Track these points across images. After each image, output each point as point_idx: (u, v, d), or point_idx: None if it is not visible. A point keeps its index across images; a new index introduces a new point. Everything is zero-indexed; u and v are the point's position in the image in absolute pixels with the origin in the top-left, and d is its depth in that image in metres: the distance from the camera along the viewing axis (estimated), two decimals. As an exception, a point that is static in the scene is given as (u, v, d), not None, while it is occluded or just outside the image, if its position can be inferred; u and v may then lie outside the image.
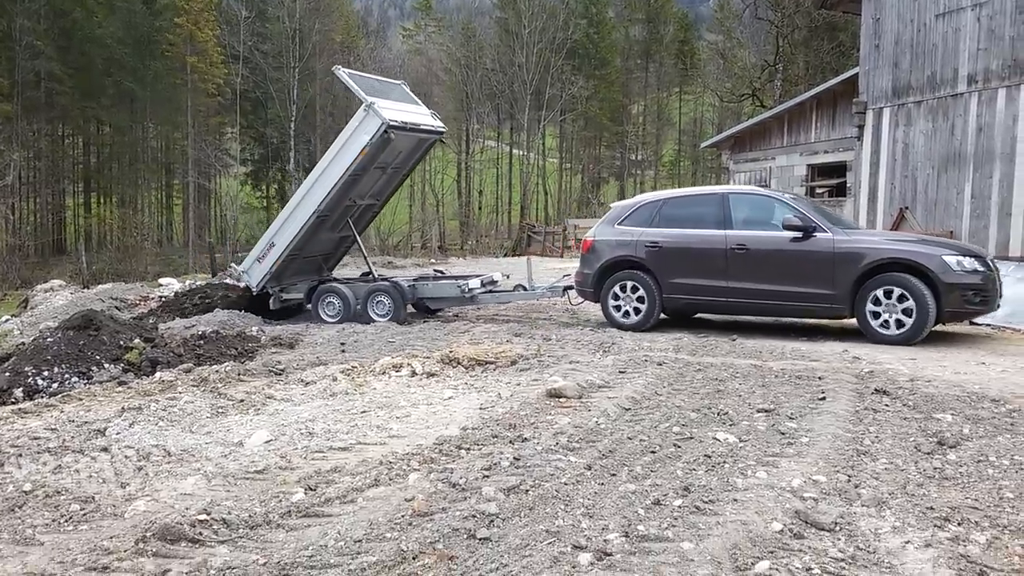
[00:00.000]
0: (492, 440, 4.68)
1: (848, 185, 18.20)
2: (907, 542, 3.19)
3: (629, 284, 9.36)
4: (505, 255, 31.51)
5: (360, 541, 3.34)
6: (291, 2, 42.12)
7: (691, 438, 4.59)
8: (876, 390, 5.62)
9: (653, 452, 4.34)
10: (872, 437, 4.54)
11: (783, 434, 4.61)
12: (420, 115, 11.77)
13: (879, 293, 7.98)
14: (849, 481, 3.85)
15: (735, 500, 3.60)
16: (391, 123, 10.41)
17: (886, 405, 5.26)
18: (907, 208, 13.16)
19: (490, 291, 11.22)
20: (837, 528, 3.31)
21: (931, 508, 3.51)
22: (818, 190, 20.55)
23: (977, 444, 4.38)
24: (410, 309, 11.46)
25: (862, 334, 8.22)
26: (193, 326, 10.50)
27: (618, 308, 9.46)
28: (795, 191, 20.72)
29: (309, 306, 11.66)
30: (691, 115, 63.12)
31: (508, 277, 12.86)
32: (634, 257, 9.37)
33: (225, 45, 43.51)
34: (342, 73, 11.16)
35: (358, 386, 6.39)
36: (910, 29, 13.06)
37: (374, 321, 10.78)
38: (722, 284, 8.87)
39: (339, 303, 11.23)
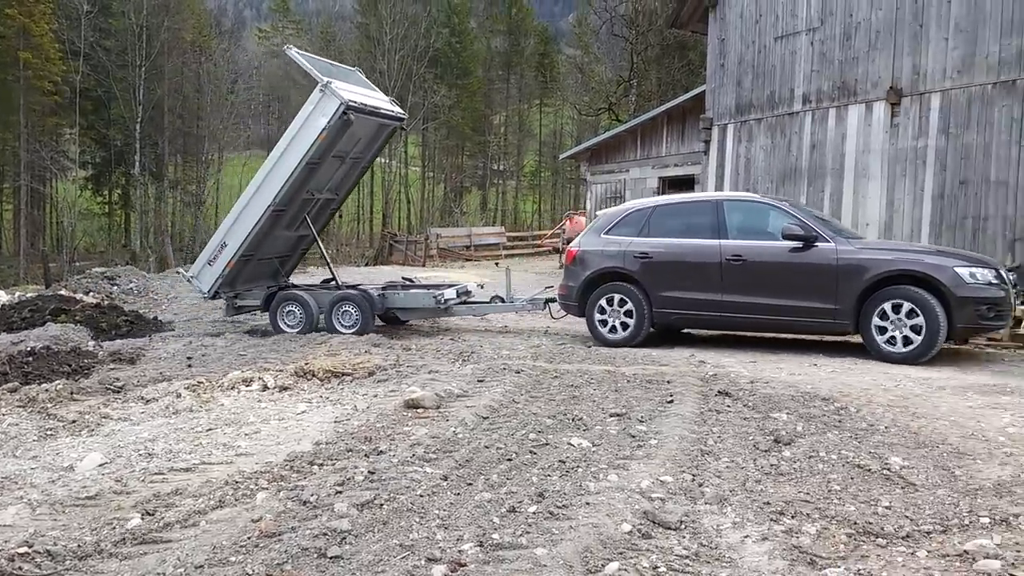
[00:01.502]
0: (346, 454, 4.57)
1: (697, 197, 19.07)
2: (746, 536, 3.35)
3: (616, 297, 8.79)
4: (367, 264, 31.03)
5: (202, 567, 3.16)
6: (137, -2, 39.87)
7: (547, 444, 4.65)
8: (719, 392, 5.91)
9: (510, 460, 4.36)
10: (715, 437, 4.76)
11: (634, 437, 4.75)
12: (379, 99, 10.96)
13: (886, 307, 7.44)
14: (694, 480, 4.01)
15: (587, 504, 3.67)
16: (351, 103, 9.68)
17: (728, 406, 5.53)
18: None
19: (465, 302, 10.61)
20: (682, 526, 3.44)
21: (768, 503, 3.70)
22: (669, 201, 21.46)
23: (809, 441, 4.68)
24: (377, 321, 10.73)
25: (712, 341, 8.58)
26: (21, 341, 9.67)
27: (604, 323, 8.88)
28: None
29: (267, 314, 10.78)
30: (551, 127, 64.61)
31: (482, 287, 12.43)
32: (622, 269, 8.81)
33: (64, 40, 40.56)
34: (294, 53, 10.31)
35: (204, 402, 6.08)
36: (752, 50, 13.90)
37: (340, 333, 10.00)
38: (716, 298, 8.33)
39: (300, 312, 10.39)
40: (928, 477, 4.06)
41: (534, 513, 3.57)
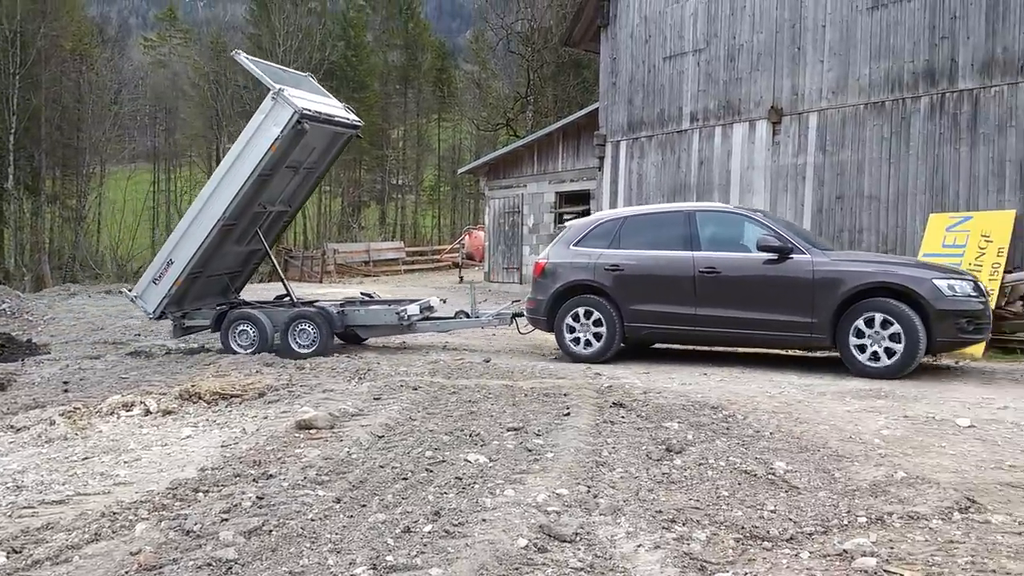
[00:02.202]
0: (234, 479, 4.39)
1: (592, 212, 19.48)
2: (639, 546, 3.40)
3: (586, 311, 8.57)
4: (260, 280, 30.12)
5: (72, 607, 2.95)
6: (10, 2, 37.60)
7: (443, 461, 4.60)
8: (614, 403, 6.00)
9: (405, 479, 4.29)
10: (610, 448, 4.83)
11: (531, 451, 4.76)
12: (333, 107, 10.46)
13: (863, 321, 7.28)
14: (589, 492, 4.04)
15: (484, 520, 3.64)
16: (304, 112, 9.20)
17: (622, 417, 5.63)
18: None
19: (428, 318, 10.19)
20: (577, 538, 3.45)
21: (660, 511, 3.77)
22: (565, 217, 21.81)
23: (699, 448, 4.80)
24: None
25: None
26: None
27: (575, 339, 8.64)
28: (544, 217, 21.89)
29: (217, 334, 10.15)
30: (450, 141, 64.68)
31: (444, 302, 12.04)
32: (592, 282, 8.57)
33: (-75, 45, 37.83)
34: (243, 58, 9.75)
35: (80, 429, 5.73)
36: (642, 69, 14.32)
37: (296, 353, 9.48)
38: (690, 312, 8.10)
39: (254, 332, 9.75)
40: (810, 480, 4.23)
41: (429, 532, 3.52)
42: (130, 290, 10.37)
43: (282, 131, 9.10)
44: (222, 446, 5.18)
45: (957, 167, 10.26)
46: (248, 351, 9.55)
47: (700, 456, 4.64)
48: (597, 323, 8.51)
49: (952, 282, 7.19)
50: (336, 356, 9.25)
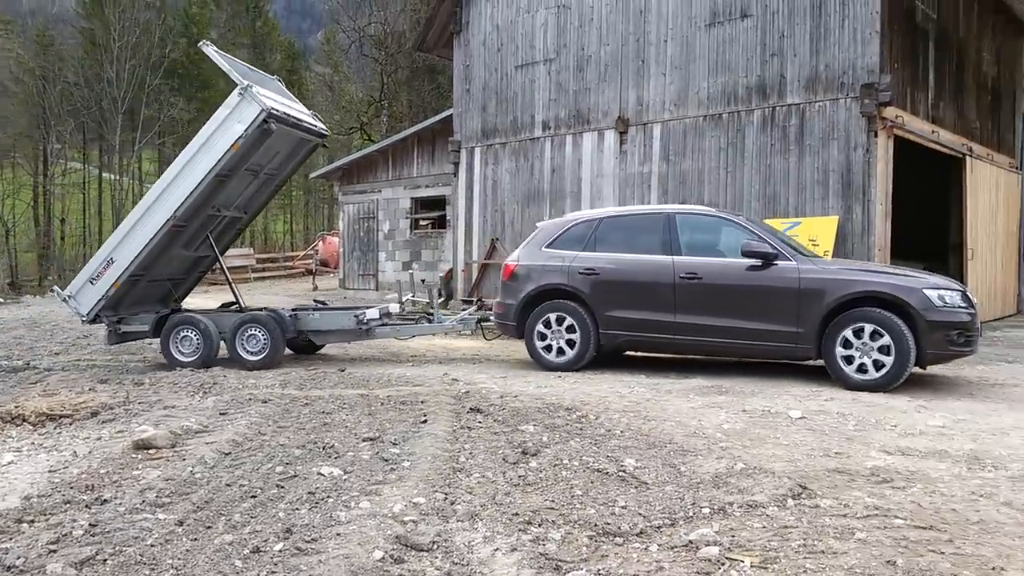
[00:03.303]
0: (64, 507, 4.05)
1: (448, 218, 19.54)
2: (496, 550, 3.41)
3: (559, 317, 8.18)
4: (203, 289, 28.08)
5: None
6: None
7: (295, 476, 4.45)
8: (471, 409, 6.02)
9: (254, 496, 4.11)
10: (467, 454, 4.83)
11: (387, 461, 4.69)
12: (301, 112, 9.85)
13: (850, 332, 6.93)
14: (446, 499, 4.02)
15: (338, 535, 3.54)
16: (272, 111, 8.61)
17: (479, 422, 5.65)
18: (498, 239, 14.51)
19: (387, 324, 9.60)
20: (435, 547, 3.43)
21: (516, 514, 3.81)
22: (422, 222, 21.75)
23: (554, 450, 4.89)
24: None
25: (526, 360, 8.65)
26: None
27: (547, 347, 8.26)
28: (400, 223, 21.74)
29: (156, 341, 9.29)
30: (302, 145, 62.76)
31: (403, 309, 11.36)
32: (566, 286, 8.17)
33: None
34: (211, 50, 8.95)
35: None
36: (495, 77, 14.50)
37: (246, 361, 8.85)
38: (669, 319, 7.71)
39: (198, 338, 9.05)
40: (658, 475, 4.40)
41: (280, 551, 3.39)
42: (63, 288, 9.44)
43: (246, 129, 8.55)
44: (50, 471, 4.78)
45: (787, 176, 11.04)
46: (192, 359, 9.00)
47: (555, 457, 4.72)
48: (570, 329, 8.13)
49: (942, 292, 6.87)
50: (179, 370, 8.76)
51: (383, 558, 3.28)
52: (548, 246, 8.50)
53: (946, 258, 13.71)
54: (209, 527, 3.70)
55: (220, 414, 6.08)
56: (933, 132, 11.89)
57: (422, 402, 6.39)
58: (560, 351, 8.19)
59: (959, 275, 12.27)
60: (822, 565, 3.20)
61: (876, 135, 10.27)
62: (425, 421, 5.69)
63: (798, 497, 4.04)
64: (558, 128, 13.61)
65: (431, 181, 20.73)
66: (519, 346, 10.54)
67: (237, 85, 8.59)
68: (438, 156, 19.83)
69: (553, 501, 4.00)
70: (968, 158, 13.06)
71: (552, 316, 8.21)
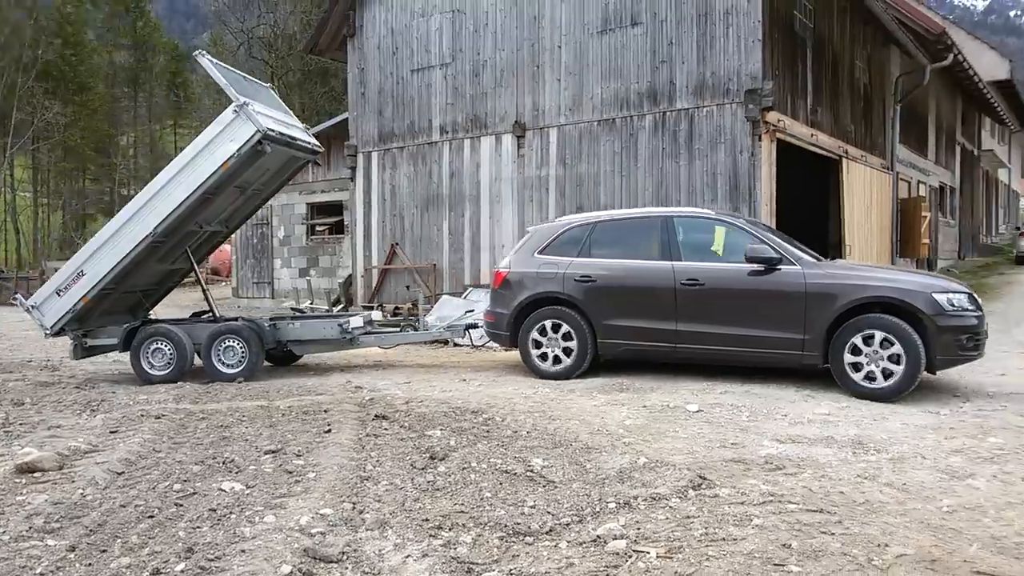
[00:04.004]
0: (-62, 539, 3.77)
1: (346, 223, 19.25)
2: (407, 556, 3.39)
3: (554, 325, 7.85)
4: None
5: None
6: None
7: (195, 493, 4.29)
8: (377, 416, 5.95)
9: (151, 516, 3.94)
10: (374, 461, 4.78)
11: (291, 473, 4.58)
12: (295, 127, 9.38)
13: (859, 339, 6.63)
14: (354, 508, 3.97)
15: (243, 551, 3.44)
16: (268, 132, 8.20)
17: (385, 429, 5.60)
18: (398, 244, 14.39)
19: (371, 332, 9.20)
20: (344, 557, 3.38)
21: (427, 520, 3.80)
22: (318, 228, 21.33)
23: (462, 453, 4.90)
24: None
25: (367, 365, 8.60)
26: None
27: (543, 355, 7.90)
28: (296, 229, 21.26)
29: (126, 355, 8.76)
30: (188, 150, 60.55)
31: (385, 316, 10.78)
32: (561, 294, 7.84)
33: None
34: (207, 60, 8.39)
35: None
36: (391, 81, 14.38)
37: (222, 374, 8.44)
38: (671, 327, 7.39)
39: (171, 351, 8.57)
40: (565, 473, 4.48)
41: (182, 572, 3.26)
42: (26, 298, 8.78)
43: (239, 149, 8.17)
44: (-81, 502, 4.43)
45: (678, 179, 11.41)
46: (165, 373, 8.56)
47: (463, 461, 4.73)
48: (567, 337, 7.83)
49: (951, 295, 6.64)
50: (62, 387, 8.29)
51: (291, 572, 3.21)
52: (540, 252, 8.18)
53: (827, 255, 14.46)
54: (104, 551, 3.53)
55: (110, 432, 5.78)
56: (812, 135, 12.55)
57: (325, 411, 6.27)
58: (556, 359, 7.89)
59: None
60: (723, 551, 3.34)
61: (760, 139, 10.75)
62: (329, 430, 5.59)
63: (698, 488, 4.20)
64: (456, 132, 13.63)
65: (327, 186, 20.36)
66: (422, 351, 10.51)
67: (232, 101, 8.26)
68: (334, 161, 19.48)
69: (463, 504, 4.01)
70: (844, 159, 13.84)
71: (548, 324, 7.91)
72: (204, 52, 8.68)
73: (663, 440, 5.22)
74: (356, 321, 9.07)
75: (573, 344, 7.79)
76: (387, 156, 14.45)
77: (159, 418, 6.21)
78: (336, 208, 20.18)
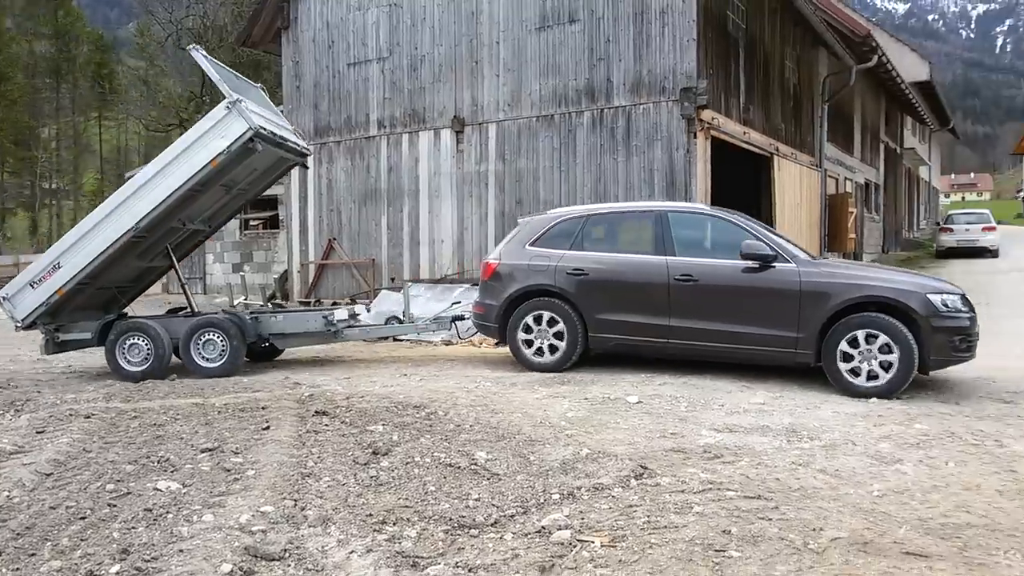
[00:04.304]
0: None
1: (281, 218, 18.90)
2: (351, 552, 3.36)
3: (546, 316, 7.76)
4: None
5: None
6: None
7: (129, 493, 4.16)
8: (317, 412, 5.87)
9: (83, 518, 3.81)
10: (315, 458, 4.71)
11: (229, 471, 4.49)
12: (285, 128, 9.11)
13: (852, 337, 6.58)
14: (296, 505, 3.91)
15: (181, 551, 3.36)
16: (260, 130, 7.96)
17: (326, 425, 5.52)
18: (335, 239, 14.21)
19: (353, 325, 8.99)
20: (287, 555, 3.33)
21: (370, 515, 3.76)
22: (252, 222, 20.90)
23: (405, 448, 4.87)
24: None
25: (314, 362, 8.47)
26: None
27: (529, 343, 7.84)
28: (229, 224, 20.77)
29: (101, 349, 8.46)
30: (114, 142, 58.77)
31: (369, 310, 10.43)
32: (552, 287, 7.74)
33: None
34: (200, 55, 8.14)
35: None
36: (327, 75, 14.18)
37: (203, 369, 8.19)
38: (663, 323, 7.32)
39: (148, 346, 8.26)
40: (509, 466, 4.49)
41: (117, 573, 3.17)
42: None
43: (229, 146, 7.92)
44: None
45: (616, 175, 11.55)
46: (141, 368, 8.25)
47: (406, 455, 4.71)
48: (558, 333, 7.76)
49: (944, 296, 6.62)
50: None
51: (232, 571, 3.15)
52: (532, 244, 8.07)
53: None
54: (33, 554, 3.40)
55: (37, 432, 5.56)
56: (745, 133, 12.84)
57: (263, 408, 6.15)
58: (541, 350, 7.83)
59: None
60: (666, 539, 3.40)
61: (695, 136, 10.95)
62: (268, 427, 5.48)
63: (640, 477, 4.26)
64: (394, 127, 13.51)
65: (261, 181, 19.93)
66: (360, 346, 10.40)
67: (225, 97, 8.00)
68: (268, 155, 19.08)
69: (407, 499, 3.99)
70: (775, 157, 14.21)
71: (539, 316, 7.84)
72: (198, 47, 8.54)
73: (605, 431, 5.29)
74: (341, 314, 8.95)
75: (563, 338, 7.72)
76: (323, 150, 14.24)
77: (89, 417, 6.00)
78: (271, 203, 19.79)
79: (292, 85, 14.58)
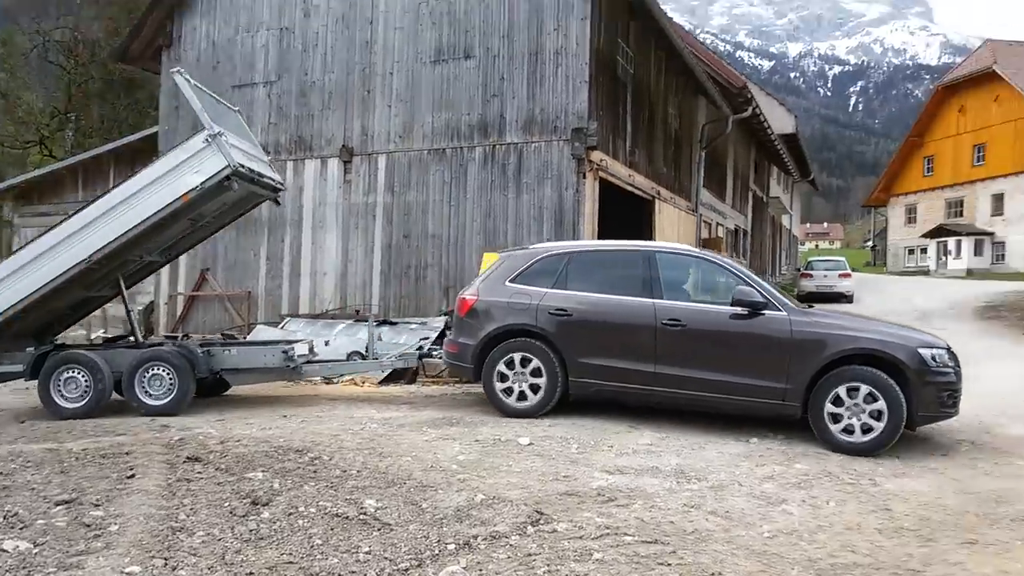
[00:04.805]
0: None
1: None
2: (229, 617, 3.07)
3: (523, 358, 7.27)
4: None
5: None
6: None
7: (-33, 554, 3.68)
8: (188, 458, 5.44)
9: (-91, 585, 3.33)
10: (187, 510, 4.34)
11: (89, 526, 4.05)
12: (260, 161, 8.46)
13: (841, 391, 6.33)
14: (166, 565, 3.56)
15: (29, 622, 2.97)
16: (239, 168, 7.38)
17: (199, 472, 5.12)
18: (208, 270, 13.54)
19: (312, 361, 8.46)
20: (155, 623, 3.00)
21: (251, 573, 3.47)
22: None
23: (287, 497, 4.56)
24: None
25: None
26: None
27: (508, 390, 7.29)
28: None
29: (34, 383, 7.78)
30: (-35, 158, 54.37)
31: (327, 344, 9.71)
32: (533, 327, 7.27)
33: None
34: (182, 80, 7.48)
35: None
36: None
37: (147, 407, 7.51)
38: (649, 369, 6.93)
39: (86, 380, 7.57)
40: (400, 514, 4.27)
41: (-50, 652, 2.75)
42: None
43: (203, 182, 7.34)
44: None
45: (506, 211, 11.57)
46: (79, 405, 7.53)
47: (289, 505, 4.40)
48: (536, 373, 7.28)
49: (933, 351, 6.45)
50: None
51: (90, 644, 2.80)
52: (512, 280, 7.65)
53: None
54: None
55: None
56: (630, 176, 13.18)
57: (127, 453, 5.66)
58: (522, 395, 7.33)
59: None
60: (568, 592, 3.28)
61: (584, 176, 11.14)
62: (133, 475, 5.03)
63: (536, 523, 4.15)
64: (278, 153, 13.07)
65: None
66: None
67: (204, 128, 7.36)
68: (140, 177, 18.09)
69: (291, 554, 3.71)
70: (657, 200, 14.66)
71: (515, 357, 7.37)
72: (182, 71, 7.85)
73: (498, 475, 5.15)
74: (300, 348, 8.43)
75: (542, 380, 7.28)
76: (202, 175, 13.61)
77: (-79, 465, 5.35)
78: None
79: (170, 105, 13.91)
